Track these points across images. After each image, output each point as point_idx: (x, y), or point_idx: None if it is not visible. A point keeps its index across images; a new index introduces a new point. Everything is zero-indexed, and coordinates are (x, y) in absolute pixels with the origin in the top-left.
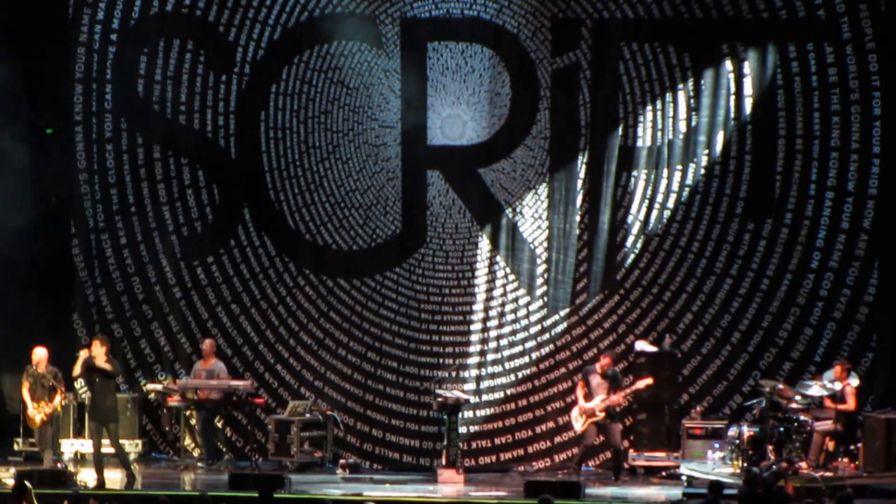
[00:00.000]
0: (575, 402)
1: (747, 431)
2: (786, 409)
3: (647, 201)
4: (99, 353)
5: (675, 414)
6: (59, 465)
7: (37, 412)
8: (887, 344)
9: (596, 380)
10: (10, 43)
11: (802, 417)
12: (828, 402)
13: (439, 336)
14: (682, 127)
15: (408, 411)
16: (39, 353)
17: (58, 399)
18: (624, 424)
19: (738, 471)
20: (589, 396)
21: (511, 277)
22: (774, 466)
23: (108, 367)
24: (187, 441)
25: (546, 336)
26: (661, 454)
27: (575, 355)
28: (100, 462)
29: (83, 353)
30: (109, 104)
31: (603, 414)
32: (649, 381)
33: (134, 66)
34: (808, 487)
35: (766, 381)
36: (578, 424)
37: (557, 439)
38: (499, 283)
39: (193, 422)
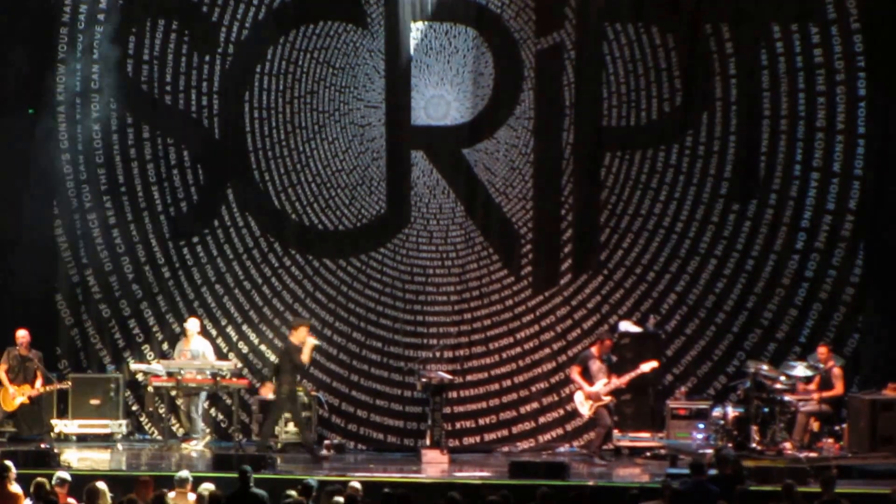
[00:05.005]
0: (573, 389)
1: (732, 412)
2: (770, 390)
3: (630, 181)
4: (304, 337)
5: (659, 394)
6: (42, 445)
7: (18, 394)
8: (873, 325)
9: (595, 364)
10: None
11: (787, 398)
12: (812, 391)
13: (423, 316)
14: (667, 107)
15: (392, 392)
16: (22, 335)
17: (39, 383)
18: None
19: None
20: (589, 381)
21: (495, 258)
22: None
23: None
24: (172, 421)
25: (530, 316)
26: (646, 434)
27: (559, 336)
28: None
29: (311, 341)
30: (97, 84)
31: (609, 397)
32: (654, 364)
33: (123, 46)
34: (791, 468)
35: (750, 362)
36: (585, 409)
37: (542, 420)
38: (482, 263)
39: (179, 402)
